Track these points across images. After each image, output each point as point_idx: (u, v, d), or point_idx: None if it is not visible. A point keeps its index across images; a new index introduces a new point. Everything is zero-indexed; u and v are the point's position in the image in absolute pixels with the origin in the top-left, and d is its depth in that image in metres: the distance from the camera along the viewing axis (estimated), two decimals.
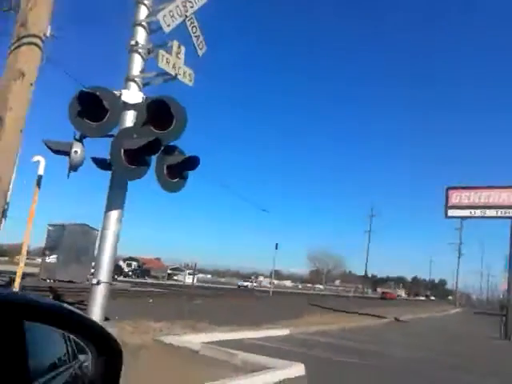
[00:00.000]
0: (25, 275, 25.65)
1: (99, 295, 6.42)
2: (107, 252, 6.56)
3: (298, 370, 6.82)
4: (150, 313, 12.95)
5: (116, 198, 6.66)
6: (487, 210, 19.36)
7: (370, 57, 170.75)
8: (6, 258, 61.00)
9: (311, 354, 9.40)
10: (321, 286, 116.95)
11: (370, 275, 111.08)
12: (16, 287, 7.89)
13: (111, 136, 6.30)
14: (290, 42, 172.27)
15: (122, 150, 6.04)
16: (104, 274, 6.49)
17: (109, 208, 6.62)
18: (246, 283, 74.25)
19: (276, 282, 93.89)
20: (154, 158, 6.44)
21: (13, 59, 6.41)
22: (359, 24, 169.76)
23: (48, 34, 6.39)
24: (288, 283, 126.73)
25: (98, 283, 6.43)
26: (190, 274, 57.66)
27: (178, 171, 6.61)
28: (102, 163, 6.66)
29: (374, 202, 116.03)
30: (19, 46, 6.32)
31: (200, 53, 7.46)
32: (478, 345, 15.60)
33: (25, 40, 6.22)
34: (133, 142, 6.08)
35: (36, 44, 6.38)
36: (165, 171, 6.51)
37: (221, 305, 21.14)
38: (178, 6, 6.85)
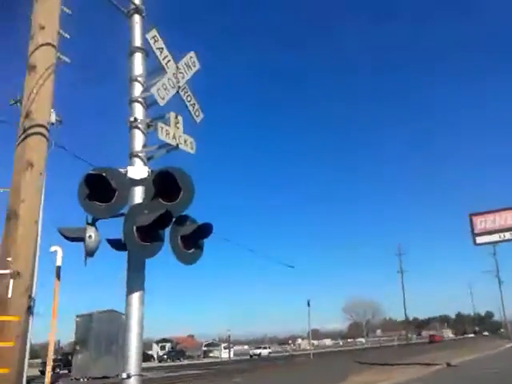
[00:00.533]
0: (58, 377, 24.87)
1: None
2: (134, 340, 6.10)
3: None
4: None
5: (135, 280, 6.35)
6: None
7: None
8: (40, 361, 59.21)
9: None
10: (362, 340, 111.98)
11: (411, 319, 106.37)
12: None
13: (122, 215, 6.15)
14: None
15: (135, 228, 5.86)
16: (133, 365, 5.96)
17: (129, 291, 6.30)
18: (258, 351, 63.74)
19: (316, 342, 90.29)
20: (167, 232, 6.24)
21: (20, 151, 6.46)
22: None
23: (53, 120, 6.50)
24: (328, 342, 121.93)
25: (129, 377, 5.95)
26: (225, 348, 55.69)
27: (193, 241, 6.35)
28: (117, 244, 6.45)
29: (402, 240, 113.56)
30: (25, 138, 6.39)
31: (197, 120, 7.49)
32: None
33: (30, 131, 6.31)
34: (144, 218, 5.90)
35: (41, 133, 6.46)
36: (179, 243, 6.26)
37: (261, 378, 20.07)
38: (169, 79, 6.94)
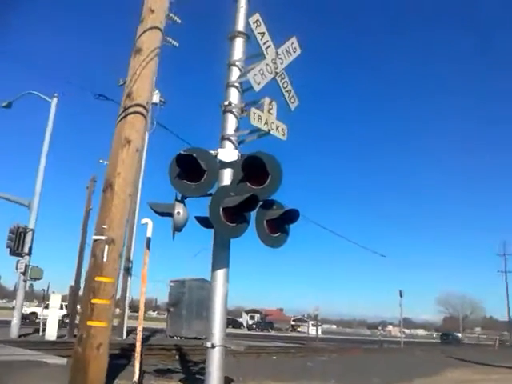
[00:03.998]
0: (154, 332, 26.91)
1: (215, 359, 6.22)
2: (218, 314, 6.39)
3: None
4: (273, 371, 12.59)
5: (220, 258, 6.57)
6: None
7: None
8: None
9: None
10: (459, 335, 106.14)
11: None
12: (138, 352, 8.10)
13: (210, 195, 6.32)
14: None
15: (221, 209, 6.00)
16: (217, 336, 6.29)
17: (214, 268, 6.53)
18: None
19: (407, 331, 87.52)
20: (253, 214, 6.30)
21: (120, 128, 6.91)
22: None
23: (157, 101, 6.79)
24: (421, 332, 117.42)
25: (213, 347, 6.24)
26: (313, 325, 56.18)
27: (279, 225, 6.39)
28: (205, 222, 6.68)
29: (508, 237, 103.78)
30: (125, 116, 6.81)
31: (292, 107, 7.40)
32: None
33: (130, 110, 6.69)
34: (231, 200, 6.02)
35: (140, 113, 6.82)
36: (265, 226, 6.32)
37: (347, 360, 19.90)
38: (267, 64, 6.88)
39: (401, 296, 38.36)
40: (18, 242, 19.27)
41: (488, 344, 65.11)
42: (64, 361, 11.08)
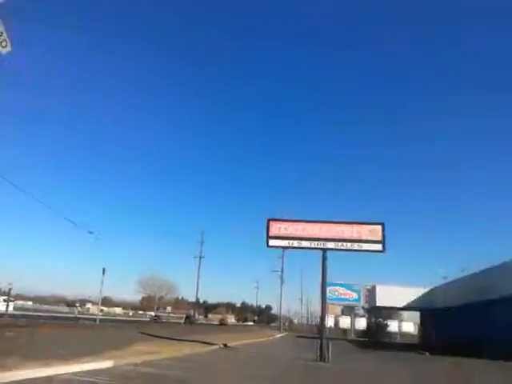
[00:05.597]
0: None
1: None
2: None
3: None
4: None
5: None
6: (303, 242, 21.23)
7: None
8: None
9: None
10: (152, 313, 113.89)
11: (201, 301, 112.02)
12: None
13: None
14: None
15: None
16: None
17: None
18: None
19: (106, 309, 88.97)
20: None
21: None
22: None
23: None
24: (118, 310, 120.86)
25: None
26: (4, 300, 51.10)
27: None
28: None
29: (204, 227, 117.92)
30: None
31: (4, 51, 6.69)
32: (297, 366, 16.66)
33: None
34: None
35: None
36: None
37: (38, 336, 18.95)
38: None
39: (103, 273, 38.87)
40: None
41: (177, 322, 71.89)
42: None
